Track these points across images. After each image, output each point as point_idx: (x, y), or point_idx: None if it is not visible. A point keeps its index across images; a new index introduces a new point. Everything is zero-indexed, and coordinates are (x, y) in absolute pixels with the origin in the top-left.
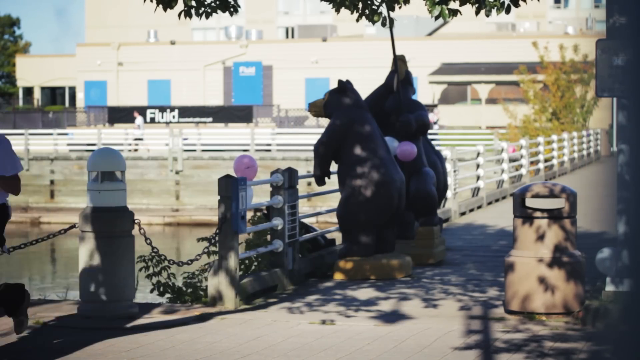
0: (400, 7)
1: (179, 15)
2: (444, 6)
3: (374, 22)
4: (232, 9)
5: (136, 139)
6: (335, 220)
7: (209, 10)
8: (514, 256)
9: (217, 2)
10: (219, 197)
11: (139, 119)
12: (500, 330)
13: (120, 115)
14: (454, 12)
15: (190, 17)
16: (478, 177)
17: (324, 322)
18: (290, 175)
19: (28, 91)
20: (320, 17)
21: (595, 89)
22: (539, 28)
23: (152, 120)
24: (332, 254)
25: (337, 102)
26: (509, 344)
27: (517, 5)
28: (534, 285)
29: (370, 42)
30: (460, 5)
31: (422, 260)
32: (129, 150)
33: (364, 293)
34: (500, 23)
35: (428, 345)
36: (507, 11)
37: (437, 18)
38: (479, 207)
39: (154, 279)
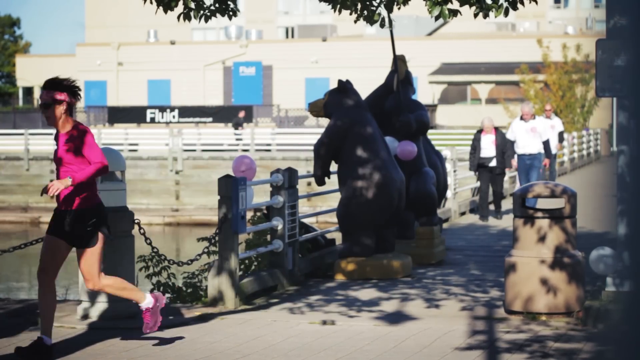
0: (399, 8)
1: (178, 17)
2: (443, 6)
3: (372, 24)
4: (230, 13)
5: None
6: (335, 220)
7: (208, 14)
8: (515, 256)
9: (216, 6)
10: (219, 197)
11: None
12: (502, 331)
13: (121, 115)
14: (454, 13)
15: (190, 20)
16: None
17: (324, 322)
18: (290, 175)
19: (28, 91)
20: (320, 17)
21: (595, 89)
22: (539, 28)
23: (152, 120)
24: (332, 254)
25: (338, 102)
26: (511, 344)
27: (515, 8)
28: (536, 286)
29: (370, 42)
30: (461, 5)
31: (422, 260)
32: (129, 150)
33: (366, 293)
34: (500, 23)
35: (428, 345)
36: (506, 14)
37: (437, 18)
38: None
39: (154, 279)
